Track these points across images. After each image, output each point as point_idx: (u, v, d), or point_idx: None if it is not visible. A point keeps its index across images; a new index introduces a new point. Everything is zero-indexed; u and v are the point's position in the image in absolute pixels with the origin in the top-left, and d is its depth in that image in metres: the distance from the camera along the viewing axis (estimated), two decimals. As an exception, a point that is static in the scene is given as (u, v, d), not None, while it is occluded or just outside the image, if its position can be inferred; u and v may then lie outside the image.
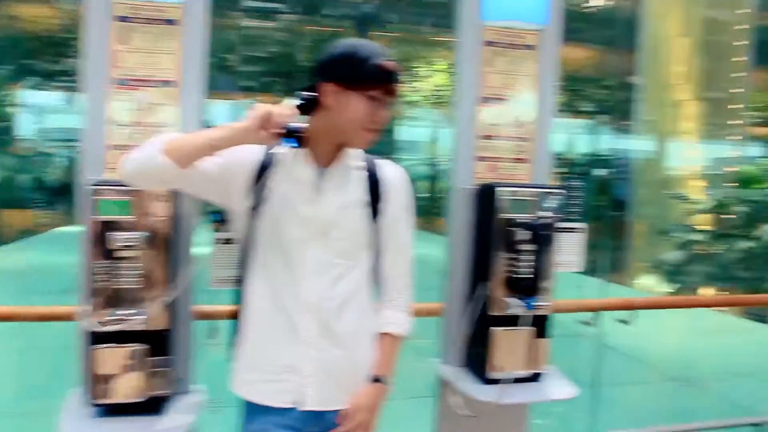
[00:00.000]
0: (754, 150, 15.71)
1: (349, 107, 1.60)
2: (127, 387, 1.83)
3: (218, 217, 1.92)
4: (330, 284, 1.68)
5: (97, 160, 1.94)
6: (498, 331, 1.90)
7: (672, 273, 12.91)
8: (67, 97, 16.05)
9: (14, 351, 5.30)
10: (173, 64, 2.01)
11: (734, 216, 12.99)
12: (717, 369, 6.92)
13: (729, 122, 15.01)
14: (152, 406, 1.89)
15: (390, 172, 1.77)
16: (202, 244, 2.01)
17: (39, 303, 2.53)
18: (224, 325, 1.83)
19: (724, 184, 13.85)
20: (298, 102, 1.60)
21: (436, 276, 2.26)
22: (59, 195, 15.37)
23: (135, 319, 1.81)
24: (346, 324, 1.70)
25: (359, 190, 1.71)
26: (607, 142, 15.62)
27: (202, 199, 1.79)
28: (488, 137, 2.11)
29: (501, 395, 1.87)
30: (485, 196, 1.97)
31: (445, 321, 2.11)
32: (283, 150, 1.60)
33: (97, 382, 1.81)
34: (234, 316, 1.75)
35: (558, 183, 2.10)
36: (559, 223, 1.97)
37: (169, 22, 2.00)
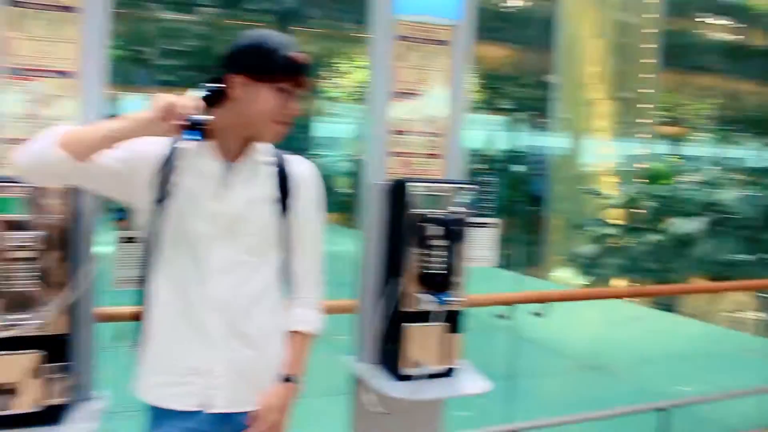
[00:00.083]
0: (662, 148, 16.43)
1: (258, 99, 1.56)
2: (23, 397, 1.73)
3: (121, 214, 1.84)
4: (238, 282, 1.64)
5: (-12, 155, 1.83)
6: (410, 327, 1.90)
7: (587, 266, 13.37)
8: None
9: None
10: (72, 53, 1.90)
11: (644, 210, 13.57)
12: (627, 357, 7.21)
13: (639, 121, 15.65)
14: (50, 415, 1.78)
15: (300, 167, 1.74)
16: (103, 242, 1.92)
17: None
18: (129, 327, 1.76)
19: (635, 180, 14.44)
20: (203, 94, 1.54)
21: (356, 272, 2.24)
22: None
23: (29, 324, 1.71)
24: (255, 323, 1.66)
25: (268, 186, 1.67)
26: (525, 139, 16.00)
27: (103, 195, 1.71)
28: (401, 132, 2.11)
29: (414, 391, 1.87)
30: (397, 191, 1.96)
31: (359, 317, 2.09)
32: (187, 143, 1.55)
33: (-11, 392, 1.71)
34: (138, 317, 1.68)
35: (471, 178, 2.11)
36: (472, 219, 1.98)
37: (67, 9, 1.89)
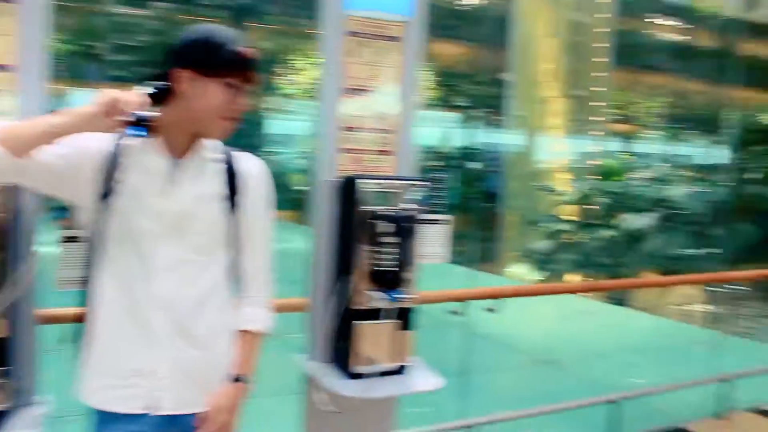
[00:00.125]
0: (614, 145, 16.76)
1: (206, 95, 1.54)
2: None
3: (63, 213, 1.78)
4: (185, 281, 1.61)
5: None
6: (361, 325, 1.89)
7: (541, 261, 13.57)
8: None
9: None
10: (10, 46, 1.83)
11: (597, 207, 13.83)
12: (580, 351, 7.34)
13: (592, 119, 15.93)
14: (-11, 421, 1.73)
15: (248, 164, 1.71)
16: (45, 242, 1.86)
17: None
18: (73, 329, 1.71)
19: (588, 177, 14.70)
20: (149, 89, 1.51)
21: (308, 269, 2.22)
22: None
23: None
24: (203, 322, 1.63)
25: (216, 183, 1.65)
26: (480, 136, 16.13)
27: (44, 192, 1.66)
28: (352, 129, 2.09)
29: (365, 390, 1.86)
30: (347, 188, 1.95)
31: (310, 316, 2.07)
32: (132, 139, 1.51)
33: None
34: (81, 318, 1.63)
35: (423, 175, 2.11)
36: (423, 215, 1.98)
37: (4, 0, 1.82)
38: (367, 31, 2.12)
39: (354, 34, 2.10)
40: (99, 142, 1.56)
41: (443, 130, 14.68)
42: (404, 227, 1.87)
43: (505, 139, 15.75)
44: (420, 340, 2.07)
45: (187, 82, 1.53)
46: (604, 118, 16.32)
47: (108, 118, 1.41)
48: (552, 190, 14.69)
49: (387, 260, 1.85)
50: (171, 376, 1.60)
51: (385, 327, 1.91)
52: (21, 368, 1.83)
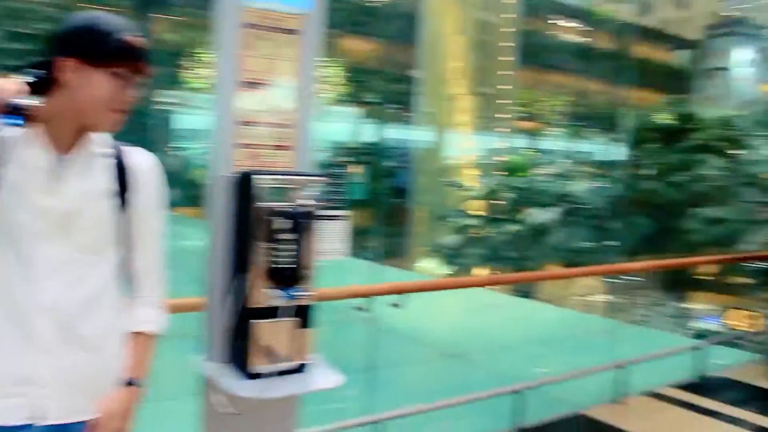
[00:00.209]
0: (520, 142, 17.27)
1: (91, 85, 1.45)
2: None
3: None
4: (72, 282, 1.52)
5: None
6: (258, 324, 1.85)
7: (450, 256, 13.84)
8: None
9: None
10: None
11: (503, 202, 14.22)
12: (486, 344, 7.51)
13: (498, 116, 16.36)
14: None
15: (139, 159, 1.63)
16: None
17: None
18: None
19: (495, 173, 15.10)
20: (29, 77, 1.41)
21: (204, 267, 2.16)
22: None
23: None
24: (91, 325, 1.55)
25: (105, 179, 1.56)
26: (390, 132, 16.27)
27: None
28: (248, 123, 2.04)
29: (263, 390, 1.82)
30: (243, 184, 1.89)
31: (207, 315, 2.01)
32: (8, 129, 1.41)
33: None
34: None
35: (321, 170, 2.08)
36: (322, 211, 1.95)
37: None
38: (264, 23, 2.06)
39: (251, 26, 2.04)
40: None
41: (353, 126, 14.70)
42: (301, 223, 1.83)
43: (415, 135, 15.95)
44: (324, 337, 2.04)
45: (71, 71, 1.44)
46: (510, 116, 16.81)
47: None
48: (460, 186, 15.01)
49: (284, 257, 1.81)
50: (56, 382, 1.51)
51: (284, 325, 1.87)
52: None
